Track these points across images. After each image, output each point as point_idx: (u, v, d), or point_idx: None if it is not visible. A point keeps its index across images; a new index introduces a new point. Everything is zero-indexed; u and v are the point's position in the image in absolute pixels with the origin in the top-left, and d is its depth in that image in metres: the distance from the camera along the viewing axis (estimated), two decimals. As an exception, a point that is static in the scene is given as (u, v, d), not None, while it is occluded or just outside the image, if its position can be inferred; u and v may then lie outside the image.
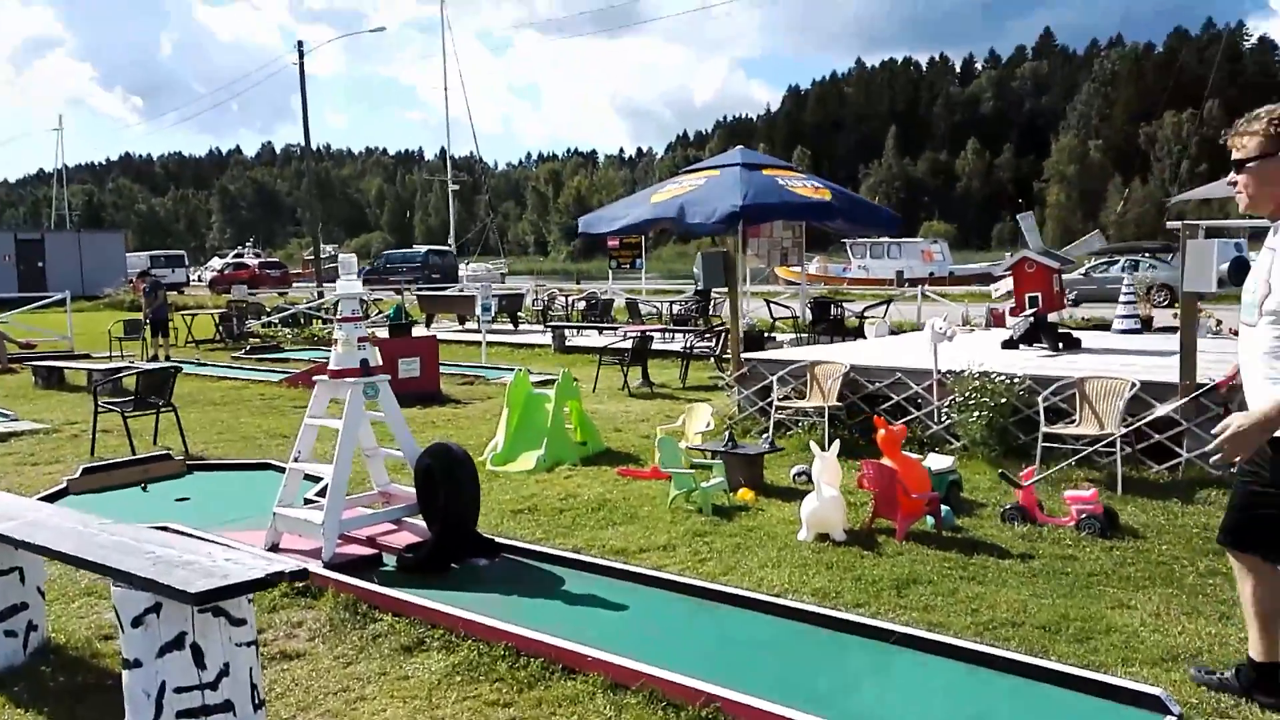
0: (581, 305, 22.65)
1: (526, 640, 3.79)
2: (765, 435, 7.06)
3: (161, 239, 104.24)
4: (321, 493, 5.71)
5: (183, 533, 5.42)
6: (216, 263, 58.38)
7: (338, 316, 5.19)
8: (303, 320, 22.77)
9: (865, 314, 17.32)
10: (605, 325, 19.29)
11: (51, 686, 3.71)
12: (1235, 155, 3.05)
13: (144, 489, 6.09)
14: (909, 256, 42.27)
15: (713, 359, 13.70)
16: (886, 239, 43.21)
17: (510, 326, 22.11)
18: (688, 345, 13.59)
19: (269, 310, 23.74)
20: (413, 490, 5.29)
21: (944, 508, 5.57)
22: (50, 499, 6.56)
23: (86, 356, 17.60)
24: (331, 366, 5.14)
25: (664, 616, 4.31)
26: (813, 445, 5.74)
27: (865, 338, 12.57)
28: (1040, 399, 6.84)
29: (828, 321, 17.13)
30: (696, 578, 4.81)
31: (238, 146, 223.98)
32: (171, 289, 41.27)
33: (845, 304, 17.94)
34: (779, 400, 8.35)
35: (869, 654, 3.80)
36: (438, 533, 4.77)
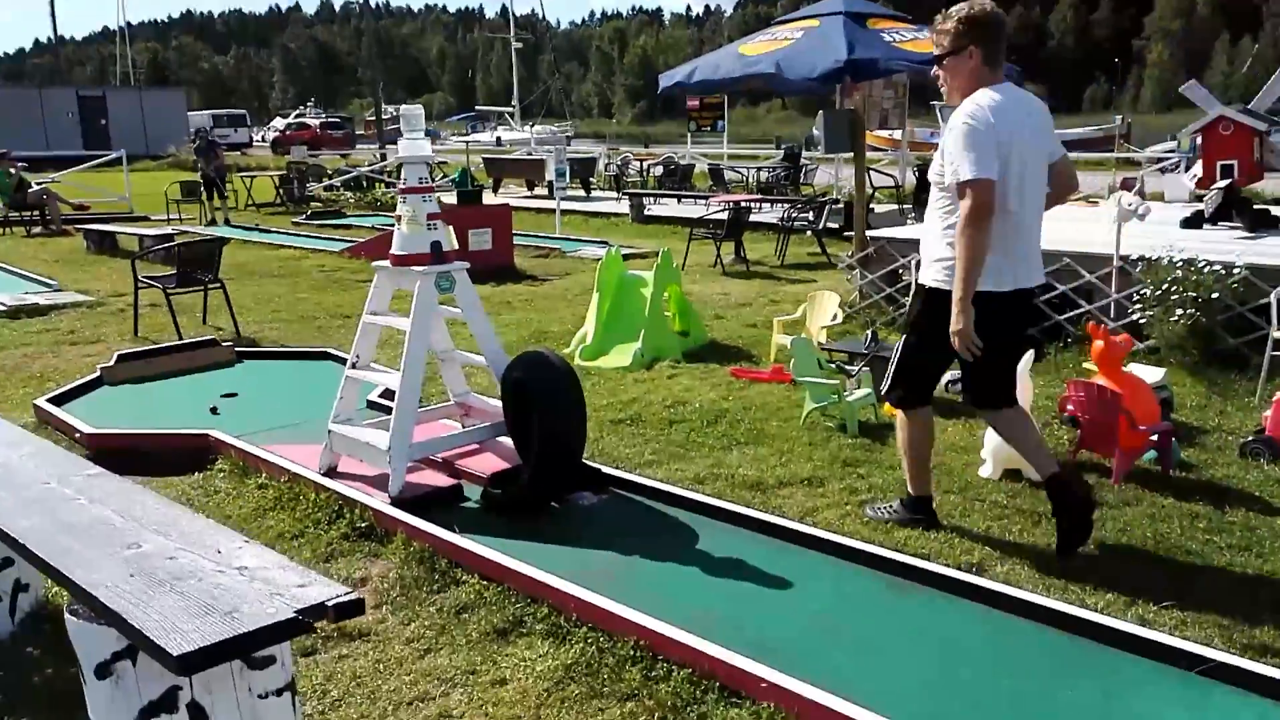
0: (658, 171, 21.14)
1: (667, 641, 2.75)
2: (917, 335, 5.82)
3: (225, 98, 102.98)
4: (388, 395, 4.72)
5: (226, 443, 4.49)
6: (279, 123, 57.28)
7: (401, 186, 4.03)
8: (365, 184, 21.71)
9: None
10: (686, 194, 17.85)
11: (35, 680, 2.81)
12: (934, 52, 3.36)
13: (214, 412, 5.14)
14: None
15: (811, 233, 12.31)
16: (979, 102, 40.09)
17: (582, 193, 20.75)
18: (786, 217, 12.18)
19: (330, 173, 22.70)
20: (497, 403, 4.25)
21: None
22: (83, 390, 5.71)
23: (144, 219, 16.88)
24: (394, 250, 4.02)
25: (839, 600, 3.22)
26: (999, 356, 4.50)
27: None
28: (1275, 297, 5.44)
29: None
30: (862, 535, 3.72)
31: (297, 4, 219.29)
32: (234, 149, 40.67)
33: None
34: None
35: (1160, 686, 2.68)
36: (534, 466, 3.73)
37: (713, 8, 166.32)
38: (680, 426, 5.20)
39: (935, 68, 3.40)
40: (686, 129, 24.86)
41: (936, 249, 3.41)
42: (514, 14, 60.92)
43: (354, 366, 4.16)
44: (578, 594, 2.99)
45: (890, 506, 3.86)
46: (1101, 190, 14.61)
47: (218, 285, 7.47)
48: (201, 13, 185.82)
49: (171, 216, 16.62)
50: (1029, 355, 4.50)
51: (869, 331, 5.68)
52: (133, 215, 17.35)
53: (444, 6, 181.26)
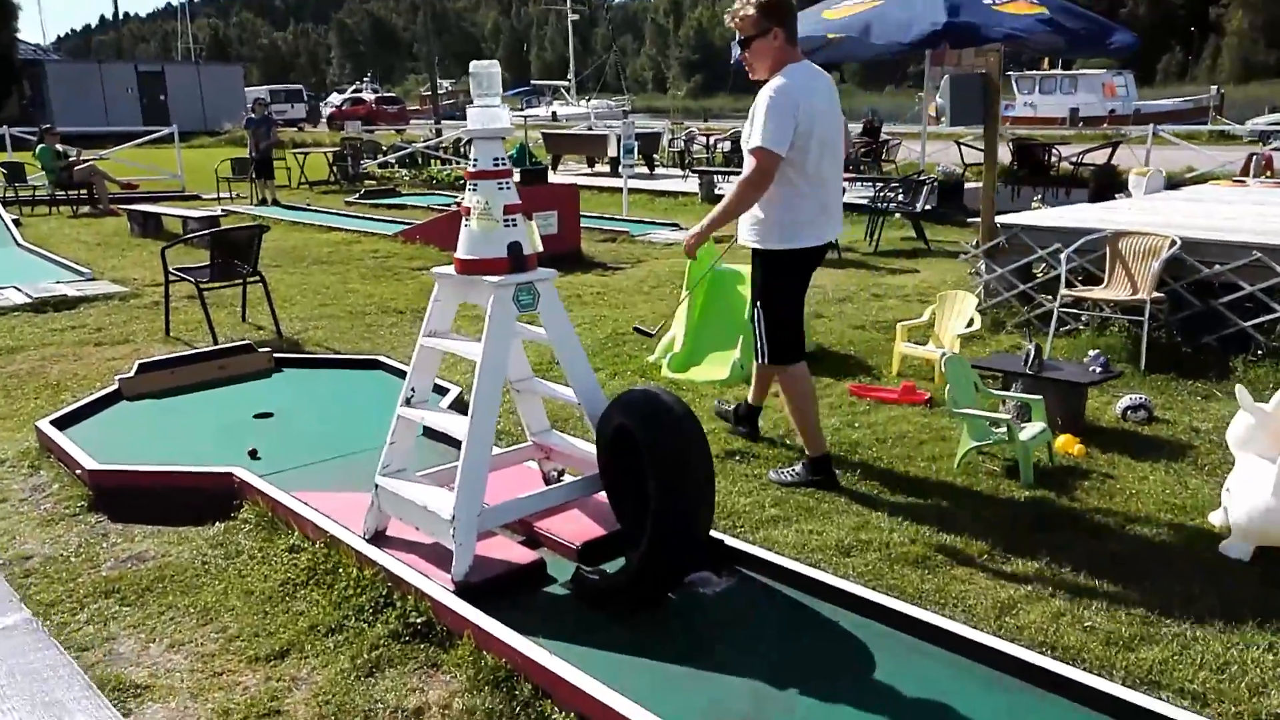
0: (726, 147, 19.99)
1: None
2: (1096, 354, 4.74)
3: (284, 74, 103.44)
4: (457, 405, 3.74)
5: (253, 487, 3.63)
6: (335, 98, 56.90)
7: (470, 168, 3.08)
8: (420, 160, 20.93)
9: (1083, 160, 14.27)
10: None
11: None
12: (739, 36, 3.72)
13: (253, 456, 4.14)
14: (1086, 91, 37.22)
15: (902, 216, 11.16)
16: (1058, 72, 38.12)
17: (645, 170, 19.72)
18: (878, 197, 11.04)
19: (385, 149, 21.97)
20: (588, 447, 3.32)
21: None
22: (98, 406, 4.91)
23: (195, 199, 16.29)
24: (461, 254, 3.08)
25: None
26: (1240, 393, 3.44)
27: (1126, 194, 9.75)
28: None
29: (1031, 167, 14.20)
30: (1093, 654, 2.72)
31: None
32: (290, 125, 40.26)
33: (1055, 147, 14.80)
34: (1065, 289, 5.95)
35: None
36: (646, 552, 2.78)
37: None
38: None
39: (740, 51, 3.72)
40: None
41: (752, 211, 3.74)
42: (568, -16, 59.64)
43: (409, 403, 3.24)
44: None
45: (793, 470, 3.99)
46: (1232, 165, 13.18)
47: (257, 279, 6.64)
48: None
49: (222, 195, 16.01)
50: (1282, 394, 3.43)
51: (1030, 346, 4.61)
52: (184, 194, 16.77)
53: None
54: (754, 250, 3.82)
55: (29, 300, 7.41)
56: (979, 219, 6.97)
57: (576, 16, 59.41)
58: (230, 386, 5.26)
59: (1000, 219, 6.82)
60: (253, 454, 4.18)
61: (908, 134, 20.35)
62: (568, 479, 3.69)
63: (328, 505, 3.54)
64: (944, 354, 4.33)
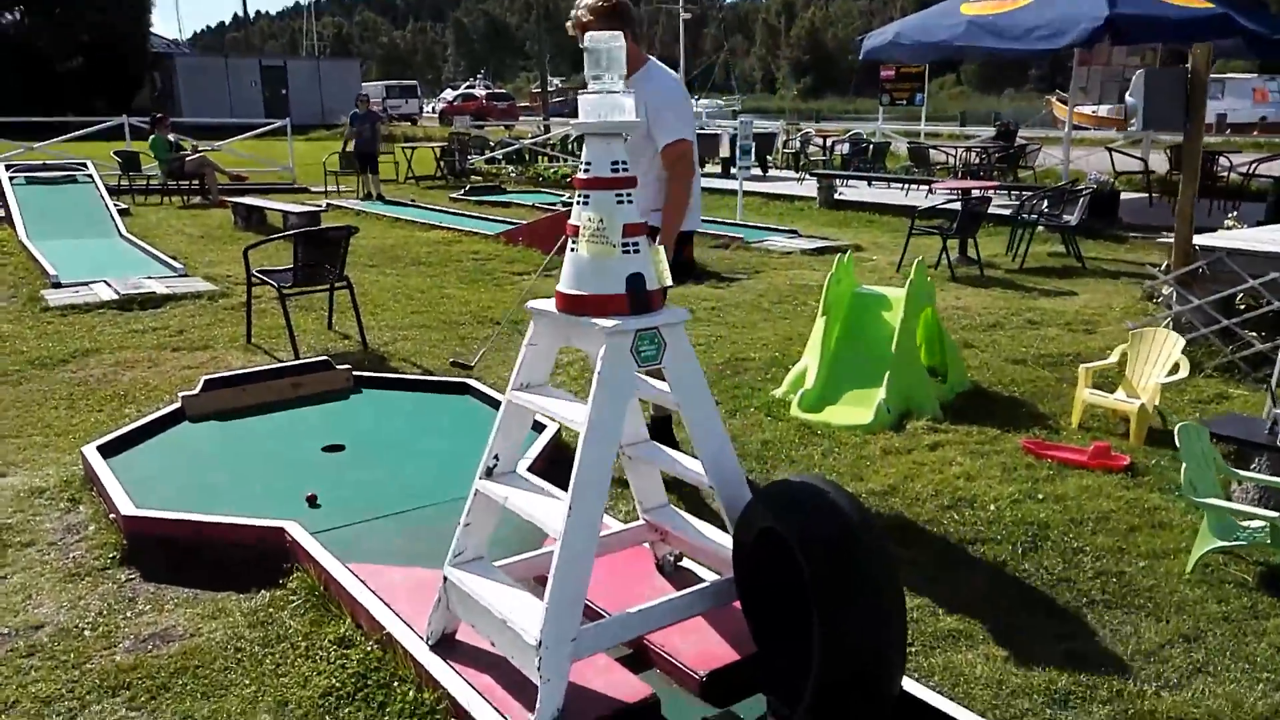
0: (844, 149, 18.91)
1: None
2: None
3: (401, 70, 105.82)
4: (552, 449, 3.05)
5: (305, 551, 2.98)
6: (449, 94, 57.53)
7: (580, 173, 2.32)
8: (527, 157, 20.52)
9: (1255, 171, 12.74)
10: (894, 178, 15.57)
11: None
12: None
13: (312, 503, 3.52)
14: (1235, 96, 34.31)
15: (1047, 228, 10.00)
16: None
17: (758, 172, 18.79)
18: (1024, 208, 9.89)
19: (492, 145, 21.63)
20: (720, 537, 2.54)
21: None
22: (157, 427, 4.37)
23: (303, 191, 16.19)
24: (564, 287, 2.33)
25: None
26: None
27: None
28: None
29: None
30: None
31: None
32: (404, 119, 40.71)
33: (1225, 155, 13.26)
34: (1291, 328, 4.87)
35: None
36: (811, 706, 1.98)
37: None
38: (978, 551, 3.35)
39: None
40: (878, 103, 22.40)
41: (655, 198, 3.78)
42: (681, -16, 58.91)
43: (490, 471, 2.51)
44: None
45: None
46: None
47: (344, 285, 6.08)
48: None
49: (329, 189, 15.83)
50: None
51: (1278, 410, 3.59)
52: (293, 187, 16.72)
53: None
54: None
55: (115, 297, 7.05)
56: (1144, 235, 5.92)
57: (689, 16, 58.65)
58: (304, 409, 4.67)
59: (1199, 240, 5.74)
60: (312, 500, 3.54)
61: (1047, 139, 18.84)
62: (688, 564, 2.93)
63: (389, 584, 2.86)
64: (1181, 425, 3.35)
